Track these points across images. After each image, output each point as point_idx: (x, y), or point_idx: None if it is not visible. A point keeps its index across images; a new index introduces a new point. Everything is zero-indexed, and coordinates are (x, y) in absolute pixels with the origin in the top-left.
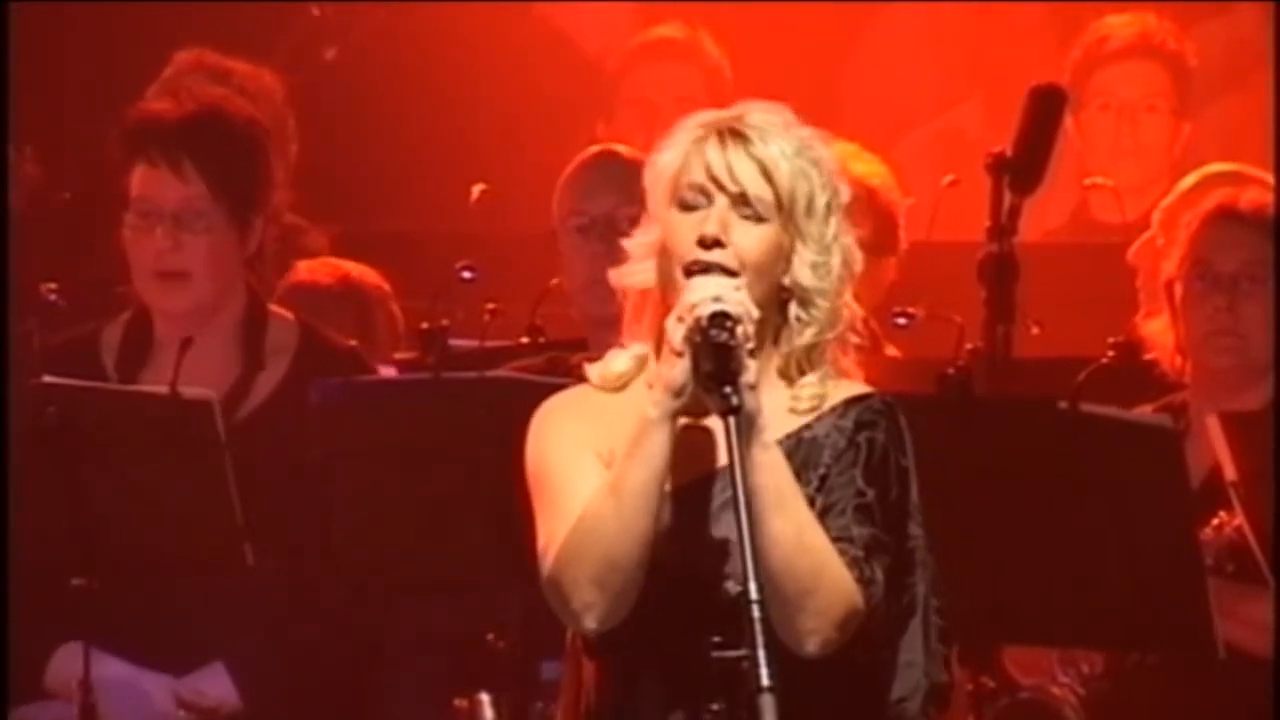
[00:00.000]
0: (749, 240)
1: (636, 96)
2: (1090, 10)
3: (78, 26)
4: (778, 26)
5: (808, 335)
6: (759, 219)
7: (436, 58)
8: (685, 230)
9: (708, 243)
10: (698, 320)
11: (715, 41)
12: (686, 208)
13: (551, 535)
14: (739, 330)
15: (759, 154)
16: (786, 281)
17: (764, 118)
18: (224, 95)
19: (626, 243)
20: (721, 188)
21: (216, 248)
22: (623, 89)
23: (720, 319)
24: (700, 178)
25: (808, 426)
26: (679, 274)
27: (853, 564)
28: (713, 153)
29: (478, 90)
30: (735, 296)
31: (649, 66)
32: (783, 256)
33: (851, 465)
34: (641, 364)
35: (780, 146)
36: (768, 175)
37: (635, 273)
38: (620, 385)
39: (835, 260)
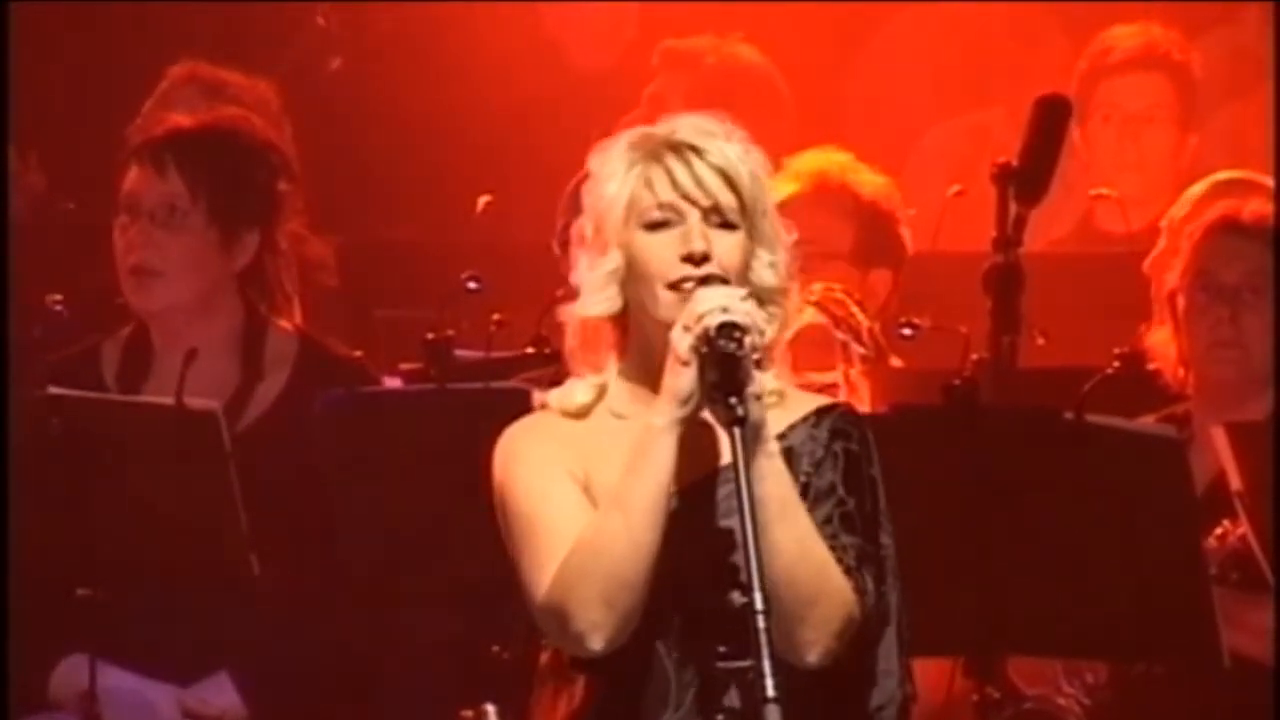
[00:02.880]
0: (726, 248)
1: (653, 97)
2: (1106, 16)
3: (83, 37)
4: (781, 30)
5: (770, 332)
6: (730, 227)
7: (442, 68)
8: (661, 249)
9: (697, 259)
10: (706, 330)
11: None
12: (656, 227)
13: (540, 560)
14: (747, 341)
15: (719, 163)
16: (750, 282)
17: (701, 124)
18: (242, 115)
19: (578, 276)
20: (693, 202)
21: (192, 250)
22: (649, 89)
23: (729, 329)
24: (669, 195)
25: (782, 436)
26: (662, 292)
27: (847, 573)
28: (677, 168)
29: (484, 100)
30: (742, 307)
31: (664, 74)
32: (747, 259)
33: (832, 474)
34: (601, 393)
35: (733, 152)
36: (731, 183)
37: (598, 302)
38: (583, 414)
39: (787, 256)
